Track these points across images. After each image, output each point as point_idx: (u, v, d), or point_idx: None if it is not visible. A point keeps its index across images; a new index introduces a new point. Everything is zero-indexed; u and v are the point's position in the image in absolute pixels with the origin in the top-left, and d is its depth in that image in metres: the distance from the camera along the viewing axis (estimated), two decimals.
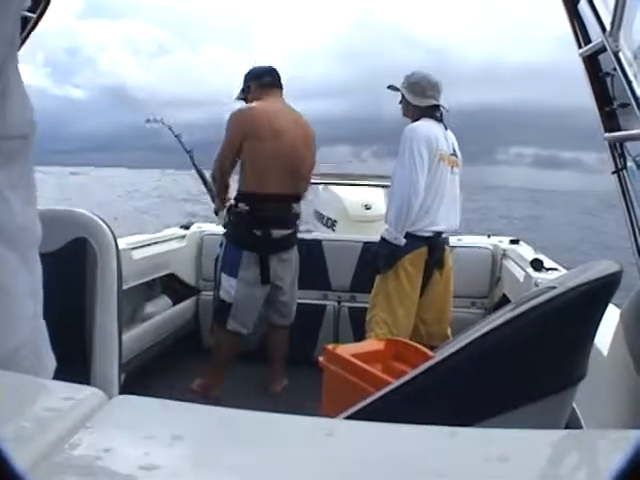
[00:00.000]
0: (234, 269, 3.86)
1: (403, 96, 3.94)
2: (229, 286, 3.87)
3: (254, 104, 3.94)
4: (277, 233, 3.86)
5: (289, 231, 3.96)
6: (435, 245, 3.82)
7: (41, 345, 1.16)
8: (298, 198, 4.04)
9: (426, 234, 3.76)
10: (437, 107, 3.88)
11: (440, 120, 3.89)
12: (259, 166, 3.80)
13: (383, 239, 3.78)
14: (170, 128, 4.87)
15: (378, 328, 3.75)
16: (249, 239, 3.85)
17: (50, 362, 1.19)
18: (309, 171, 4.12)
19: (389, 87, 4.05)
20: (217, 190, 4.12)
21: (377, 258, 3.83)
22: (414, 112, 3.89)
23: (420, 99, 3.85)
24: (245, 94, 4.09)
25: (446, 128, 3.92)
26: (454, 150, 3.92)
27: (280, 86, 4.06)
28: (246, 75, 4.10)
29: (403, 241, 3.70)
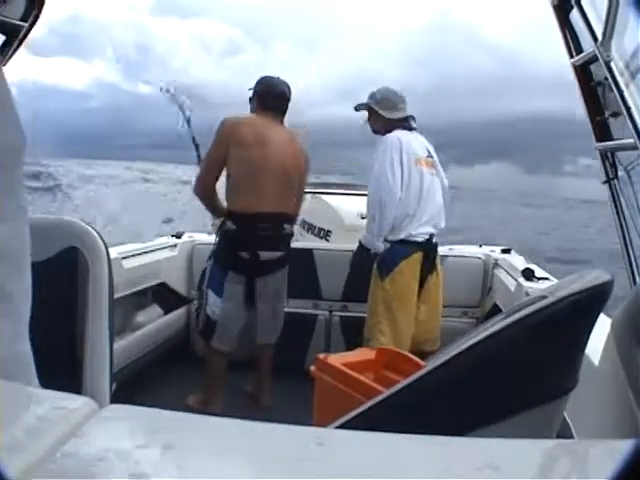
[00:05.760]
0: (219, 288, 3.80)
1: (371, 113, 4.10)
2: (214, 304, 3.81)
3: (246, 115, 3.91)
4: (266, 255, 3.78)
5: (279, 254, 3.86)
6: (429, 250, 3.93)
7: (18, 373, 1.08)
8: (290, 218, 3.93)
9: (419, 239, 3.87)
10: (406, 118, 4.05)
11: (411, 128, 4.06)
12: (246, 177, 3.69)
13: (360, 244, 3.96)
14: (181, 106, 4.69)
15: (381, 336, 3.81)
16: (235, 261, 3.78)
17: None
18: (299, 188, 4.02)
19: (356, 108, 4.20)
20: (206, 206, 3.97)
21: (358, 263, 4.02)
22: (385, 126, 4.02)
23: (393, 112, 4.02)
24: (252, 99, 3.98)
25: (418, 134, 4.09)
26: (429, 152, 4.05)
27: (281, 112, 3.94)
28: (257, 83, 3.97)
29: (380, 247, 3.84)
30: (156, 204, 30.97)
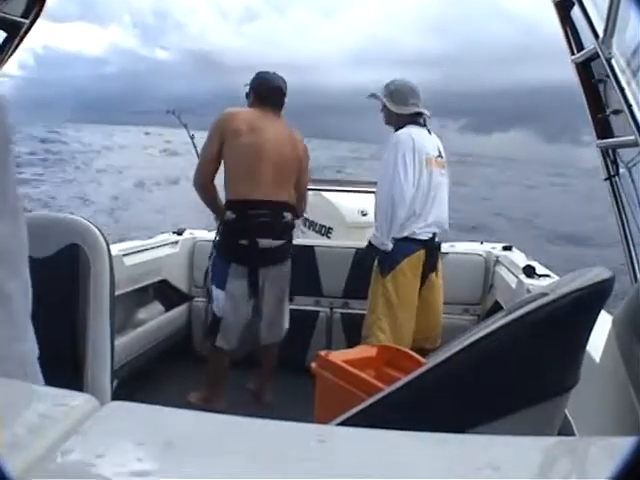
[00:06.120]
0: (222, 281, 3.78)
1: (384, 105, 4.02)
2: (217, 299, 3.80)
3: (243, 109, 3.91)
4: (265, 243, 3.73)
5: (279, 242, 3.81)
6: (431, 248, 3.91)
7: (18, 373, 1.07)
8: (289, 206, 3.87)
9: (422, 237, 3.85)
10: (419, 113, 3.97)
11: (423, 125, 3.99)
12: (242, 165, 3.70)
13: (370, 243, 3.90)
14: (185, 126, 4.87)
15: (381, 333, 3.79)
16: (236, 250, 3.76)
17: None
18: (301, 181, 3.98)
19: (370, 96, 4.13)
20: (205, 202, 3.92)
21: (364, 261, 3.98)
22: (397, 120, 3.98)
23: (402, 107, 3.95)
24: (248, 95, 3.98)
25: (430, 132, 4.01)
26: (439, 152, 4.00)
27: (278, 106, 3.93)
28: (252, 79, 3.96)
29: (390, 246, 3.80)
30: (178, 169, 31.21)
